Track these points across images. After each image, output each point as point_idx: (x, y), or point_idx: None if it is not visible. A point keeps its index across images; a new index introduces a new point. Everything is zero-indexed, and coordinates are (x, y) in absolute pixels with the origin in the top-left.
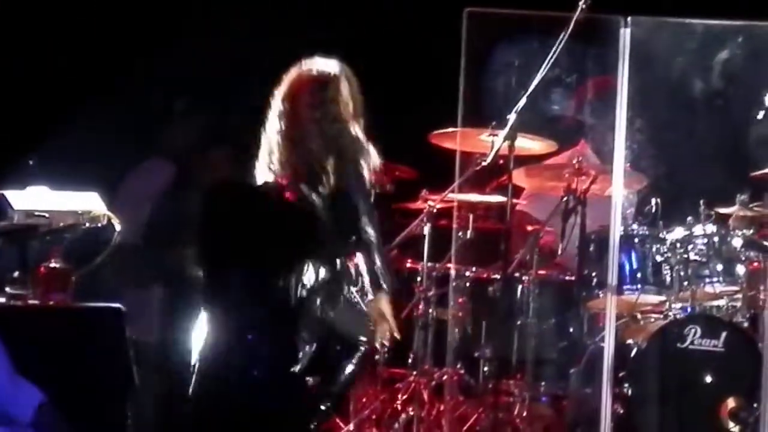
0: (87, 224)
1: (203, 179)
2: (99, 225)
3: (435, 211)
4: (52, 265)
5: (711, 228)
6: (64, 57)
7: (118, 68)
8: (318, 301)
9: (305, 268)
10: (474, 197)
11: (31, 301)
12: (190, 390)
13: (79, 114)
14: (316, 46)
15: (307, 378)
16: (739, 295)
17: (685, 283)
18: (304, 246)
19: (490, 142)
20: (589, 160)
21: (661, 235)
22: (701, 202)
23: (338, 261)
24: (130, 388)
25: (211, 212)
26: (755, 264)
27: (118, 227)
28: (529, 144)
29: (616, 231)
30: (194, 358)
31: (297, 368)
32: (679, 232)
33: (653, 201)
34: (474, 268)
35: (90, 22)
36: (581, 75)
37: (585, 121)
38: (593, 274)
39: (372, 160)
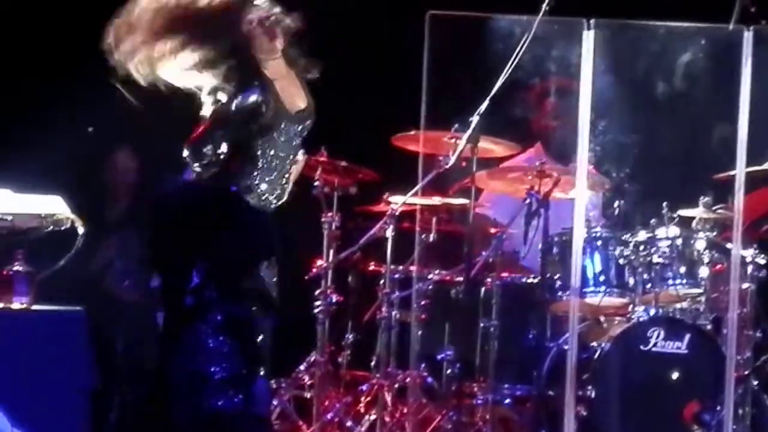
0: (50, 227)
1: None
2: (62, 228)
3: (398, 213)
4: (15, 268)
5: (674, 230)
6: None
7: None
8: None
9: None
10: (437, 200)
11: None
12: None
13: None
14: None
15: None
16: (703, 298)
17: (649, 285)
18: None
19: (453, 144)
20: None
21: (624, 238)
22: (664, 204)
23: None
24: (92, 393)
25: None
26: (718, 266)
27: (81, 230)
28: (491, 146)
29: (580, 233)
30: None
31: None
32: (642, 235)
33: (616, 203)
34: (437, 271)
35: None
36: (544, 77)
37: (547, 123)
38: (556, 276)
39: None
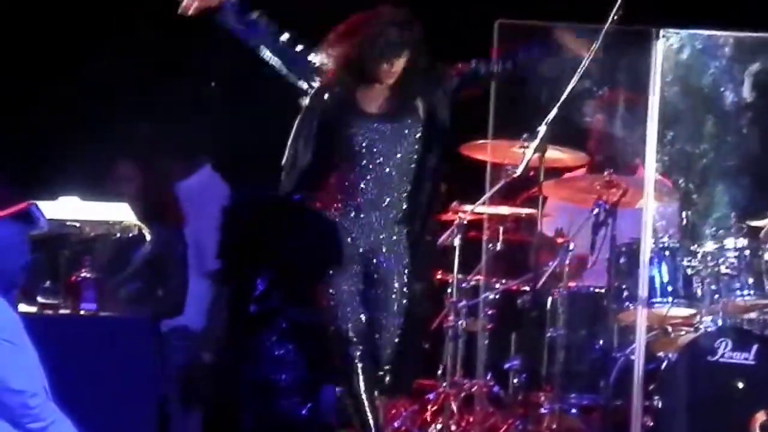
0: (118, 234)
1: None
2: (130, 235)
3: (465, 222)
4: (83, 274)
5: (742, 241)
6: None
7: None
8: None
9: None
10: (504, 209)
11: (62, 311)
12: None
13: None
14: None
15: None
16: None
17: (716, 296)
18: None
19: (521, 153)
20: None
21: (691, 248)
22: (732, 215)
23: None
24: (159, 399)
25: None
26: None
27: (149, 237)
28: (559, 155)
29: (647, 243)
30: None
31: None
32: (710, 245)
33: (684, 214)
34: (504, 280)
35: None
36: (612, 87)
37: (614, 133)
38: (624, 286)
39: None
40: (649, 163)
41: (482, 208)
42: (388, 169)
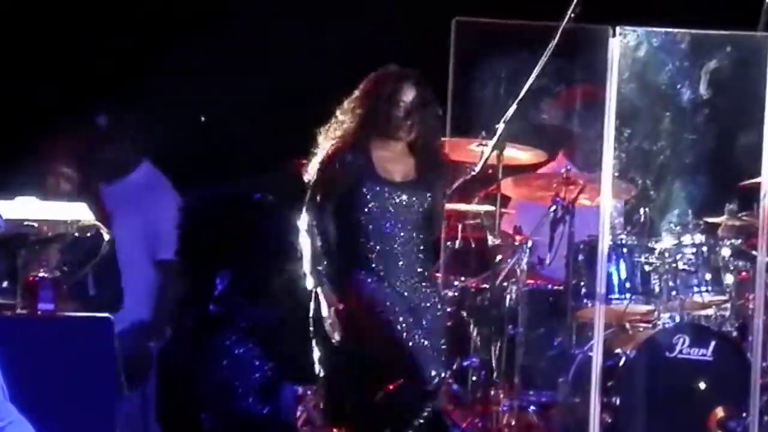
0: (76, 234)
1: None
2: (88, 234)
3: None
4: (41, 274)
5: (700, 237)
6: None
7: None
8: None
9: None
10: (463, 207)
11: (19, 311)
12: None
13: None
14: (304, 56)
15: None
16: (728, 305)
17: (674, 292)
18: None
19: (479, 151)
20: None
21: (649, 245)
22: (690, 211)
23: None
24: (117, 398)
25: None
26: (743, 273)
27: (106, 236)
28: (518, 154)
29: (605, 240)
30: None
31: None
32: (667, 242)
33: (642, 210)
34: (462, 277)
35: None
36: (569, 84)
37: (571, 130)
38: (582, 283)
39: None
40: (606, 160)
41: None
42: (404, 234)
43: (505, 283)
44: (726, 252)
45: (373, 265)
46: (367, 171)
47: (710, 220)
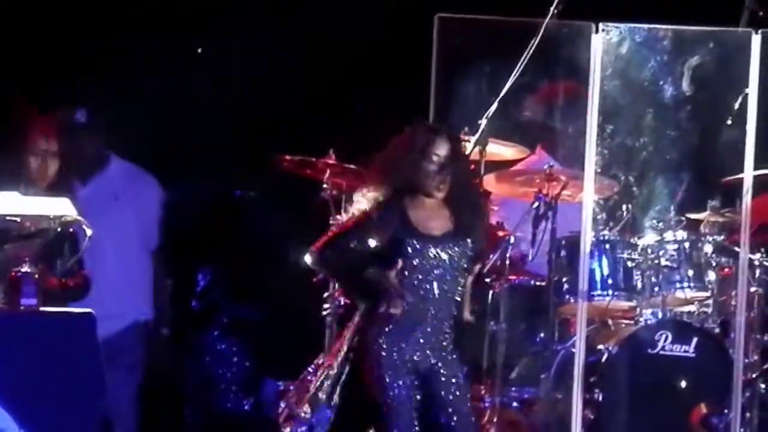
0: (58, 229)
1: None
2: (70, 230)
3: None
4: (24, 269)
5: (682, 234)
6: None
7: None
8: None
9: None
10: None
11: (1, 306)
12: None
13: None
14: (285, 52)
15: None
16: (710, 301)
17: (656, 288)
18: None
19: None
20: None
21: (632, 241)
22: (672, 207)
23: None
24: (101, 394)
25: None
26: (726, 270)
27: (89, 232)
28: (500, 150)
29: (587, 237)
30: None
31: None
32: (650, 238)
33: (624, 207)
34: None
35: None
36: (552, 81)
37: (554, 126)
38: (564, 279)
39: None
40: (588, 156)
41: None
42: (437, 285)
43: (487, 279)
44: (708, 248)
45: (399, 324)
46: (405, 228)
47: (693, 216)
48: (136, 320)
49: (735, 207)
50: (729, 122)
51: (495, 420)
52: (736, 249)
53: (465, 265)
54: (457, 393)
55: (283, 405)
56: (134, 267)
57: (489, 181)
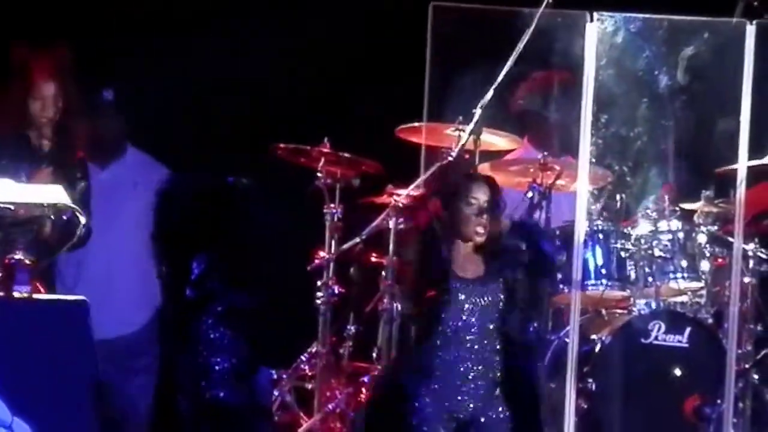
0: (52, 217)
1: None
2: (64, 218)
3: (401, 205)
4: (17, 257)
5: (676, 224)
6: None
7: None
8: None
9: None
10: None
11: None
12: None
13: None
14: (280, 41)
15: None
16: (704, 291)
17: (650, 278)
18: None
19: (456, 136)
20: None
21: (625, 231)
22: (666, 197)
23: None
24: (94, 382)
25: None
26: (720, 260)
27: (82, 220)
28: (494, 139)
29: (581, 226)
30: None
31: None
32: (643, 228)
33: (618, 196)
34: None
35: None
36: (547, 70)
37: (548, 116)
38: (558, 269)
39: None
40: (583, 146)
41: (417, 191)
42: (475, 336)
43: None
44: (702, 238)
45: (437, 373)
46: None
47: (687, 206)
48: (153, 314)
49: (729, 197)
50: (724, 113)
51: None
52: (730, 239)
53: (500, 308)
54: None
55: (276, 393)
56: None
57: (483, 171)
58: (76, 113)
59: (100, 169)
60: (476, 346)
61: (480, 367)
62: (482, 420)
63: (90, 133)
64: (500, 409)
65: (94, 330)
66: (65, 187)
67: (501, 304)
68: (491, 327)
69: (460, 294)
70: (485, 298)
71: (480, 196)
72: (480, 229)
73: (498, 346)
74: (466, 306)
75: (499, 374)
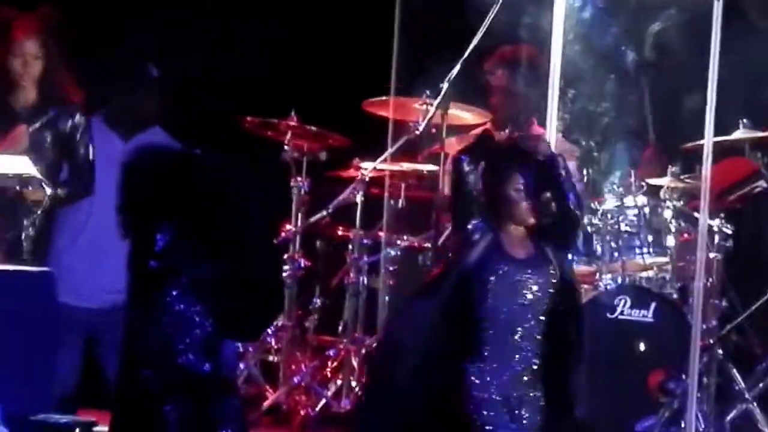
0: (17, 187)
1: None
2: (29, 188)
3: (367, 179)
4: None
5: (642, 199)
6: None
7: None
8: None
9: None
10: (406, 166)
11: None
12: None
13: None
14: (247, 12)
15: None
16: (669, 267)
17: (616, 253)
18: None
19: (424, 110)
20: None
21: (592, 206)
22: (632, 173)
23: None
24: (56, 352)
25: None
26: (685, 236)
27: (48, 191)
28: (461, 113)
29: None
30: None
31: None
32: (610, 203)
33: (585, 172)
34: (405, 237)
35: None
36: (514, 45)
37: (515, 90)
38: None
39: None
40: (550, 120)
41: (384, 165)
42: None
43: (447, 243)
44: (668, 214)
45: (486, 354)
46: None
47: (653, 181)
48: None
49: (695, 173)
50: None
51: None
52: (696, 215)
53: (550, 291)
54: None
55: (242, 366)
56: None
57: (450, 145)
58: (59, 71)
59: (123, 141)
60: (525, 330)
61: (526, 352)
62: (518, 397)
63: (125, 105)
64: (536, 386)
65: (86, 298)
66: (48, 133)
67: (550, 286)
68: (541, 309)
69: (511, 276)
70: (538, 280)
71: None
72: (530, 211)
73: (544, 330)
74: (515, 289)
75: (538, 358)
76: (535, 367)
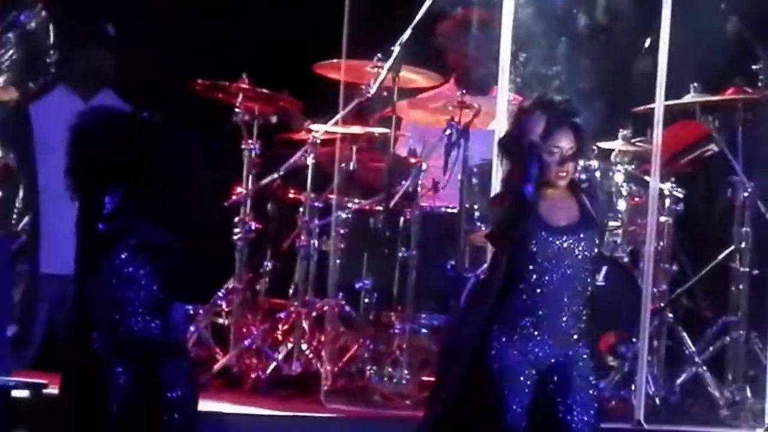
0: None
1: None
2: None
3: (318, 141)
4: None
5: (593, 162)
6: None
7: None
8: None
9: None
10: (357, 129)
11: None
12: None
13: None
14: None
15: None
16: (620, 230)
17: None
18: None
19: (375, 73)
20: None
21: None
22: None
23: None
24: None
25: None
26: (636, 199)
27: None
28: (413, 76)
29: (499, 164)
30: None
31: None
32: None
33: None
34: (357, 200)
35: None
36: (466, 7)
37: (467, 53)
38: (475, 207)
39: None
40: (502, 83)
41: (335, 128)
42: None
43: (398, 206)
44: (619, 177)
45: (527, 323)
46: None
47: (604, 145)
48: None
49: (646, 136)
50: (642, 52)
51: (404, 347)
52: (647, 178)
53: (592, 255)
54: (582, 395)
55: (192, 329)
56: None
57: (402, 108)
58: None
59: (82, 101)
60: (566, 293)
61: (569, 316)
62: (567, 372)
63: (84, 64)
64: (587, 362)
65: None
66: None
67: (592, 250)
68: (581, 273)
69: (546, 241)
70: (579, 245)
71: (564, 144)
72: (563, 174)
73: (586, 298)
74: (555, 256)
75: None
76: (582, 325)
